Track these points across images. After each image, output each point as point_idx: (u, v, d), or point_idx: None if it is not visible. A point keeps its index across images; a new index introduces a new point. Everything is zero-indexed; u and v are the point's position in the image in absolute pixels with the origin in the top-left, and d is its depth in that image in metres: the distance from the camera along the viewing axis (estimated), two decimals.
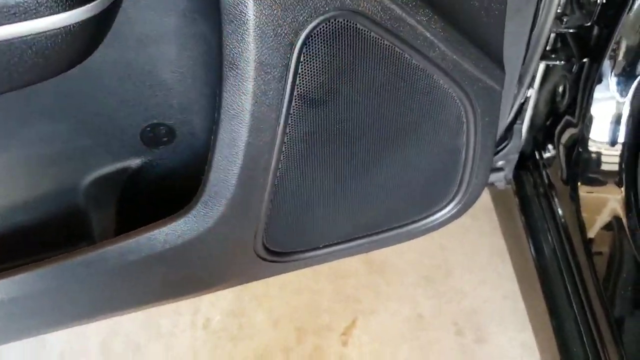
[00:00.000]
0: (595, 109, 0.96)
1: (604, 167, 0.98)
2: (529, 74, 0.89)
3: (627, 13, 0.85)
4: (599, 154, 0.98)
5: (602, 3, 0.87)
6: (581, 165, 0.99)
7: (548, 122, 1.10)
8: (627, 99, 0.93)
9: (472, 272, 1.46)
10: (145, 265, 0.66)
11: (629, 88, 0.92)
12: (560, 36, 0.97)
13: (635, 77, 0.91)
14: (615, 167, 0.96)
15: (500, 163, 1.13)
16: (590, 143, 0.98)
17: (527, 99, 1.03)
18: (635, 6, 0.84)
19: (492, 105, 0.66)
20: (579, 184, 1.00)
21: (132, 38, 0.60)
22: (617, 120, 0.95)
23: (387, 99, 0.62)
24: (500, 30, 0.62)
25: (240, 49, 0.51)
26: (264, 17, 0.49)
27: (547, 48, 0.98)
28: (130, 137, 0.70)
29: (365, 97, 0.61)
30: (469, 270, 1.46)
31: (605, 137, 0.96)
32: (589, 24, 0.91)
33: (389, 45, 0.57)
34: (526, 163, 1.17)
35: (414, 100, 0.64)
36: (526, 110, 1.07)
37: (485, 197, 1.46)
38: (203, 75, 0.65)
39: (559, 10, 0.89)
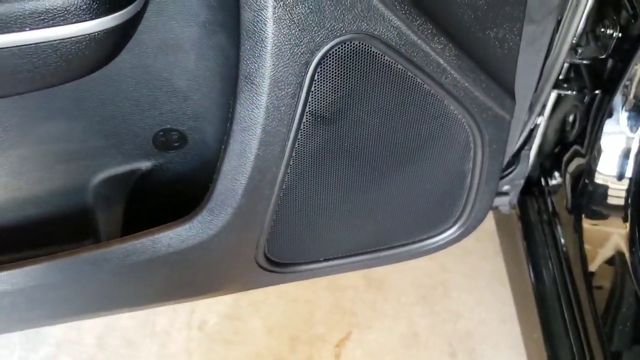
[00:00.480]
0: (604, 142, 0.96)
1: (610, 200, 0.98)
2: (540, 102, 0.90)
3: None
4: (605, 187, 0.98)
5: (618, 37, 0.88)
6: (586, 197, 1.00)
7: (556, 150, 1.10)
8: (637, 135, 0.93)
9: (470, 294, 1.46)
10: (148, 267, 0.67)
11: None
12: (574, 66, 0.98)
13: None
14: (621, 202, 0.96)
15: (505, 187, 1.13)
16: (597, 175, 0.98)
17: (536, 126, 1.04)
18: None
19: (501, 133, 0.67)
20: (583, 214, 1.01)
21: (152, 45, 0.62)
22: (626, 155, 0.95)
23: (397, 121, 0.63)
24: (513, 61, 0.63)
25: (256, 65, 0.52)
26: (282, 36, 0.51)
27: (560, 77, 0.98)
28: (143, 140, 0.71)
29: (375, 118, 0.62)
30: (467, 292, 1.46)
31: (613, 171, 0.96)
32: (603, 56, 0.91)
33: (402, 70, 0.57)
34: (532, 189, 1.18)
35: (423, 124, 0.64)
36: (535, 137, 1.07)
37: (490, 220, 1.46)
38: (218, 85, 0.66)
39: (574, 41, 0.90)
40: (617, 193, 0.96)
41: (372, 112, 0.61)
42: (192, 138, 0.72)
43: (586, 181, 0.98)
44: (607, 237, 0.97)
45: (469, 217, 0.79)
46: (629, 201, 0.95)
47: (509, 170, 1.10)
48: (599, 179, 0.97)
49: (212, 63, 0.64)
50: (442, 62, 0.57)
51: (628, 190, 0.95)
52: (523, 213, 1.19)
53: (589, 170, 0.98)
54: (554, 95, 1.02)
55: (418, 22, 0.53)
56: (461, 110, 0.63)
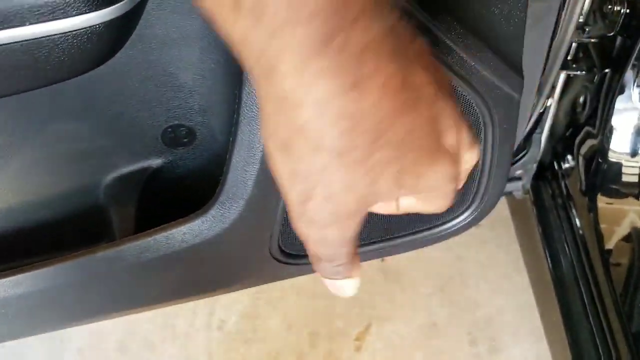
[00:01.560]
0: (616, 120, 0.95)
1: (624, 178, 0.97)
2: (549, 83, 0.89)
3: None
4: (619, 165, 0.97)
5: (626, 13, 0.87)
6: (600, 176, 0.99)
7: (568, 133, 1.09)
8: None
9: (487, 282, 1.45)
10: (163, 263, 0.67)
11: None
12: (582, 46, 0.96)
13: None
14: (636, 179, 0.95)
15: (518, 172, 1.12)
16: (610, 154, 0.97)
17: (546, 109, 1.03)
18: None
19: (510, 113, 0.66)
20: (597, 195, 1.00)
21: (155, 40, 0.61)
22: (639, 132, 0.94)
23: None
24: (520, 38, 0.62)
25: None
26: None
27: (569, 58, 0.97)
28: (151, 138, 0.71)
29: None
30: (484, 280, 1.46)
31: (626, 148, 0.95)
32: (611, 34, 0.90)
33: None
34: (545, 173, 1.17)
35: None
36: (545, 119, 1.06)
37: (504, 208, 1.46)
38: (224, 78, 0.66)
39: (581, 20, 0.89)
40: (631, 170, 0.95)
41: None
42: (200, 133, 0.72)
43: (600, 160, 0.98)
44: (623, 216, 0.96)
45: (482, 201, 0.78)
46: None
47: (521, 154, 1.09)
48: (612, 157, 0.96)
49: (217, 55, 0.64)
50: (447, 42, 0.56)
51: None
52: (537, 198, 1.18)
53: (601, 150, 0.97)
54: (563, 76, 1.01)
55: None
56: (469, 90, 0.62)
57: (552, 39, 0.81)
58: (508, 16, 0.59)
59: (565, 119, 1.08)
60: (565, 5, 0.79)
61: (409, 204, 0.39)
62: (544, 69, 0.85)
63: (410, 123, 0.31)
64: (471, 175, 0.76)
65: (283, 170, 0.33)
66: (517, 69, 0.64)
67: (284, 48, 0.27)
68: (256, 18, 0.26)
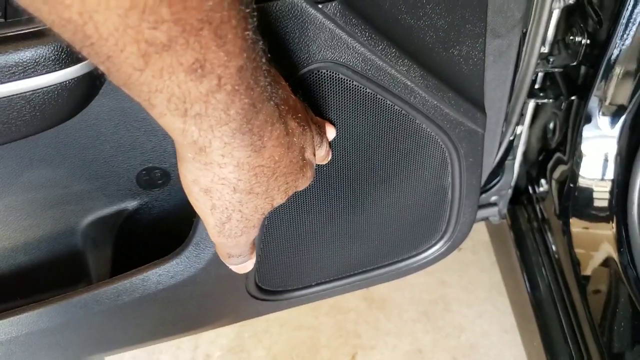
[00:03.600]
0: (584, 146, 0.98)
1: (595, 203, 0.99)
2: (516, 112, 0.92)
3: (611, 53, 0.87)
4: (589, 190, 0.99)
5: (586, 44, 0.90)
6: (572, 201, 1.01)
7: (541, 158, 1.11)
8: (615, 136, 0.95)
9: (471, 306, 1.46)
10: (140, 305, 0.67)
11: (616, 125, 0.94)
12: (548, 75, 1.00)
13: (622, 114, 0.93)
14: (605, 204, 0.97)
15: (493, 198, 1.15)
16: (580, 179, 0.99)
17: (516, 136, 1.05)
18: (618, 46, 0.86)
19: (475, 147, 0.68)
20: (571, 219, 1.02)
21: None
22: (606, 157, 0.97)
23: (372, 142, 0.65)
24: (479, 76, 0.65)
25: None
26: None
27: (536, 87, 1.00)
28: (127, 181, 0.72)
29: (351, 141, 0.64)
30: (467, 304, 1.47)
31: (595, 174, 0.98)
32: (575, 63, 0.93)
33: (371, 93, 0.59)
34: (520, 198, 1.19)
35: (398, 144, 0.66)
36: (518, 146, 1.09)
37: (485, 232, 1.47)
38: None
39: (545, 51, 0.92)
40: (601, 195, 0.97)
41: (348, 135, 0.63)
42: (175, 174, 0.74)
43: (571, 185, 1.00)
44: (596, 240, 0.98)
45: (454, 232, 0.80)
46: (613, 202, 0.96)
47: (495, 181, 1.11)
48: (582, 183, 0.99)
49: None
50: (408, 83, 0.58)
51: (611, 192, 0.96)
52: (514, 222, 1.20)
53: (572, 175, 1.00)
54: (532, 104, 1.04)
55: (381, 46, 0.55)
56: (433, 127, 0.64)
57: (516, 71, 0.83)
58: (467, 57, 0.61)
59: (538, 145, 1.11)
60: (526, 40, 0.82)
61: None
62: (510, 99, 0.87)
63: (290, 156, 0.44)
64: (441, 207, 0.78)
65: (205, 205, 0.43)
66: (479, 105, 0.66)
67: (214, 137, 0.37)
68: (196, 121, 0.36)
